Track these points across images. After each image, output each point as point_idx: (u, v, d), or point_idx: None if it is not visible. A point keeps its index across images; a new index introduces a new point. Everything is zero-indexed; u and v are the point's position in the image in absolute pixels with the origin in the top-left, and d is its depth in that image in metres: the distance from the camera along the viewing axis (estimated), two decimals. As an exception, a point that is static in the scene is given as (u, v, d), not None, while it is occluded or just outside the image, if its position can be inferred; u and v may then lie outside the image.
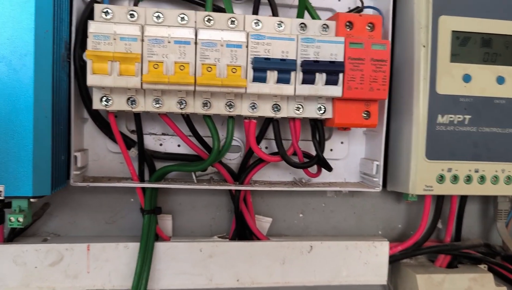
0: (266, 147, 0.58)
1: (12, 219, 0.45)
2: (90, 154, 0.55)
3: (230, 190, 0.58)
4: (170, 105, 0.49)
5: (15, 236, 0.54)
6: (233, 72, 0.47)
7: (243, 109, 0.50)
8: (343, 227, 0.62)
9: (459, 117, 0.55)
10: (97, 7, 0.47)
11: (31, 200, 0.45)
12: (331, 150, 0.60)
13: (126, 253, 0.54)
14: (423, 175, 0.55)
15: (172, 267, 0.55)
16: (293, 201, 0.61)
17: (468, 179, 0.56)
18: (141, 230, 0.55)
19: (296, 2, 0.53)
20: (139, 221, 0.57)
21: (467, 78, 0.55)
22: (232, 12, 0.51)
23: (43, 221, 0.56)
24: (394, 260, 0.60)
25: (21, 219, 0.45)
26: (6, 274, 0.52)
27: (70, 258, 0.53)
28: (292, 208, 0.61)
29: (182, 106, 0.49)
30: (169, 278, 0.55)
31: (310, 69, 0.48)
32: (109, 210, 0.57)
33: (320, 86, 0.49)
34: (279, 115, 0.51)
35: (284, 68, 0.48)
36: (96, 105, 0.48)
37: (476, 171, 0.56)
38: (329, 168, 0.55)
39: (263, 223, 0.60)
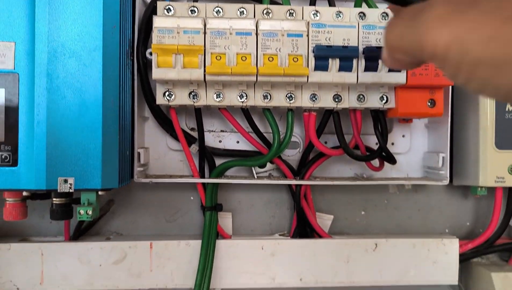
0: (326, 142, 0.57)
1: (82, 212, 0.45)
2: (151, 152, 0.56)
3: (290, 187, 0.57)
4: (231, 99, 0.49)
5: (80, 234, 0.55)
6: (295, 61, 0.47)
7: (303, 100, 0.50)
8: (408, 225, 0.60)
9: (529, 104, 0.53)
10: (160, 4, 0.49)
11: (99, 193, 0.46)
12: (392, 144, 0.58)
13: (188, 251, 0.53)
14: (494, 166, 0.53)
15: (234, 266, 0.54)
16: (354, 198, 0.59)
17: (543, 169, 0.53)
18: (201, 228, 0.55)
19: (353, -6, 0.53)
20: (199, 219, 0.57)
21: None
22: (289, 4, 0.51)
23: (105, 220, 0.56)
24: (464, 259, 0.57)
25: (90, 212, 0.45)
26: (72, 272, 0.52)
27: (134, 256, 0.53)
28: (354, 205, 0.59)
29: (243, 100, 0.49)
30: (231, 277, 0.54)
31: (373, 55, 0.47)
32: (169, 208, 0.57)
33: (384, 73, 0.48)
34: (340, 106, 0.50)
35: (346, 55, 0.47)
36: (160, 100, 0.49)
37: (551, 160, 0.53)
38: (393, 161, 0.53)
39: (324, 220, 0.58)
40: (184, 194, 0.57)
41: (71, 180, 0.44)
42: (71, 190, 0.44)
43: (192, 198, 0.57)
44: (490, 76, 0.22)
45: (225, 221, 0.57)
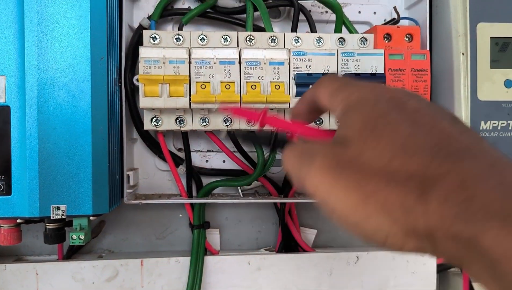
0: (309, 160, 0.59)
1: (74, 237, 0.47)
2: (140, 172, 0.58)
3: (275, 203, 0.59)
4: (217, 123, 0.51)
5: (73, 253, 0.57)
6: (277, 89, 0.49)
7: (286, 123, 0.52)
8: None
9: (502, 123, 0.55)
10: (146, 33, 0.50)
11: (91, 218, 0.48)
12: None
13: (178, 267, 0.56)
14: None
15: (222, 280, 0.56)
16: (337, 212, 0.61)
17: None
18: (190, 244, 0.57)
19: (333, 18, 0.55)
20: (188, 236, 0.59)
21: (508, 84, 0.55)
22: (272, 31, 0.53)
23: (97, 239, 0.58)
24: (442, 269, 0.59)
25: (82, 237, 0.47)
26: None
27: (125, 273, 0.55)
28: (336, 219, 0.61)
29: (228, 124, 0.51)
30: (220, 291, 0.56)
31: (352, 82, 0.49)
32: (159, 226, 0.59)
33: (362, 98, 0.50)
34: (321, 128, 0.52)
35: (326, 82, 0.49)
36: (147, 125, 0.51)
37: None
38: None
39: (308, 235, 0.61)
40: (173, 212, 0.59)
41: (63, 207, 0.46)
42: (63, 217, 0.46)
43: (180, 215, 0.59)
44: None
45: (213, 237, 0.60)
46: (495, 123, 0.55)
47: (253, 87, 0.49)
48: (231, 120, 0.51)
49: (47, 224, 0.48)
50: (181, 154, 0.56)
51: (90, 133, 0.46)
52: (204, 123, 0.51)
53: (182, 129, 0.51)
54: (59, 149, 0.46)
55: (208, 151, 0.58)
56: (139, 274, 0.55)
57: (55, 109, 0.45)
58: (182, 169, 0.56)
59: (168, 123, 0.51)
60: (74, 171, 0.46)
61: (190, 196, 0.56)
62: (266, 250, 0.60)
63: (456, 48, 0.54)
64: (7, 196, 0.45)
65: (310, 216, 0.61)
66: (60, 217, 0.46)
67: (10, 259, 0.56)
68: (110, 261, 0.55)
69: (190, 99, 0.48)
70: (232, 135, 0.54)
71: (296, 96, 0.49)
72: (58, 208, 0.46)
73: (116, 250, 0.59)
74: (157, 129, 0.51)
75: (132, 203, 0.53)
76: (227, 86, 0.48)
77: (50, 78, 0.45)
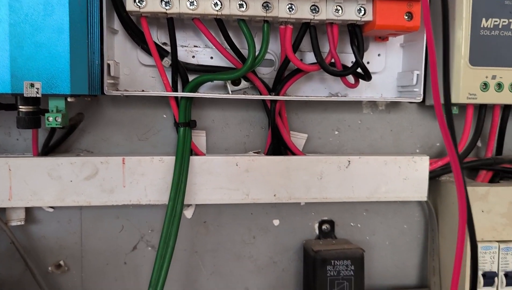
0: (301, 60, 0.56)
1: (50, 118, 0.44)
2: (121, 67, 0.54)
3: (265, 105, 0.56)
4: (206, 7, 0.47)
5: (48, 151, 0.53)
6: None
7: (280, 10, 0.48)
8: (380, 145, 0.61)
9: (504, 21, 0.53)
10: None
11: (68, 99, 0.44)
12: (368, 62, 0.58)
13: (162, 167, 0.53)
14: (467, 82, 0.53)
15: (209, 182, 0.54)
16: (328, 118, 0.59)
17: (513, 87, 0.54)
18: (174, 147, 0.54)
19: None
20: (173, 138, 0.56)
21: (513, -22, 0.52)
22: None
23: (75, 137, 0.55)
24: (433, 176, 0.58)
25: (59, 119, 0.44)
26: (42, 188, 0.51)
27: (106, 172, 0.52)
28: (327, 125, 0.59)
29: (218, 8, 0.47)
30: (206, 193, 0.54)
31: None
32: (142, 126, 0.56)
33: (362, -18, 0.47)
34: (318, 17, 0.49)
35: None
36: (130, 6, 0.46)
37: (522, 78, 0.54)
38: (369, 76, 0.53)
39: (298, 139, 0.58)
40: (157, 112, 0.56)
41: (38, 85, 0.42)
42: (38, 95, 0.42)
43: (165, 116, 0.56)
44: None
45: (199, 139, 0.57)
46: (497, 21, 0.53)
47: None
48: (221, 4, 0.47)
49: (20, 107, 0.44)
50: (166, 48, 0.52)
51: (68, 3, 0.42)
52: (192, 7, 0.47)
53: (168, 11, 0.47)
54: (33, 19, 0.41)
55: (195, 46, 0.55)
56: (120, 173, 0.52)
57: (26, -27, 0.41)
58: (167, 61, 0.52)
59: (153, 4, 0.47)
60: (50, 45, 0.42)
61: (175, 91, 0.53)
62: (254, 153, 0.57)
63: None
64: (-26, 69, 0.41)
65: (301, 121, 0.59)
66: (35, 95, 0.42)
67: (-20, 154, 0.52)
68: (89, 158, 0.52)
69: (177, -28, 0.44)
70: (221, 23, 0.51)
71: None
72: (32, 85, 0.42)
73: (95, 151, 0.55)
74: (141, 11, 0.47)
75: (113, 95, 0.50)
76: (218, -40, 0.44)
77: None
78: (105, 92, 0.49)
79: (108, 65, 0.49)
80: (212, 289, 0.59)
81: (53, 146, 0.53)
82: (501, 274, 0.54)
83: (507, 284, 0.54)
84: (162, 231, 0.51)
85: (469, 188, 0.55)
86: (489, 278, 0.54)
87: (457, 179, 0.41)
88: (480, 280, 0.54)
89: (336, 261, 0.54)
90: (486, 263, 0.54)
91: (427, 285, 0.62)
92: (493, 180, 0.59)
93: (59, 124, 0.44)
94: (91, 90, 0.46)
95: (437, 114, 0.40)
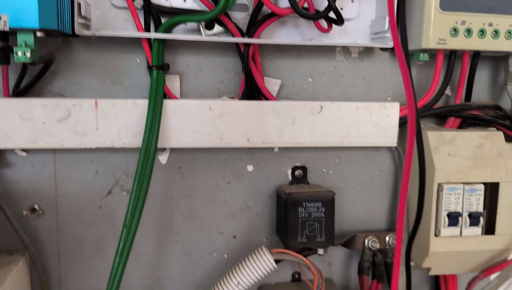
0: (275, 4, 0.56)
1: (19, 53, 0.43)
2: (93, 9, 0.53)
3: (238, 50, 0.56)
4: None
5: (19, 94, 0.52)
6: None
7: (253, -50, 0.48)
8: (352, 93, 0.61)
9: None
10: None
11: (38, 34, 0.44)
12: (341, 8, 0.58)
13: (135, 110, 0.53)
14: (437, 27, 0.54)
15: (182, 125, 0.54)
16: (301, 65, 0.60)
17: (482, 33, 0.55)
18: (148, 92, 0.54)
19: None
20: (147, 83, 0.56)
21: None
22: None
23: (46, 81, 0.54)
24: (403, 123, 0.59)
25: (28, 54, 0.43)
26: (14, 130, 0.51)
27: (78, 114, 0.52)
28: (301, 72, 0.60)
29: None
30: (180, 136, 0.54)
31: None
32: (115, 70, 0.56)
33: None
34: None
35: None
36: None
37: (490, 24, 0.55)
38: (341, 20, 0.53)
39: (272, 85, 0.59)
40: (130, 56, 0.55)
41: (5, 17, 0.41)
42: (5, 29, 0.42)
43: (138, 60, 0.56)
44: None
45: (173, 84, 0.57)
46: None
47: None
48: None
49: (-13, 42, 0.44)
50: (138, -11, 0.52)
51: None
52: None
53: None
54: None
55: (168, -12, 0.54)
56: (93, 115, 0.52)
57: None
58: (139, 2, 0.51)
59: None
60: (16, -24, 0.41)
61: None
62: (228, 98, 0.58)
63: None
64: None
65: (275, 67, 0.59)
66: (2, 29, 0.42)
67: (-51, 96, 0.52)
68: (61, 100, 0.52)
69: None
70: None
71: None
72: (-2, 18, 0.41)
73: (68, 94, 0.55)
74: None
75: (85, 35, 0.49)
76: None
77: None
78: (76, 32, 0.48)
79: (79, 4, 0.49)
80: (187, 233, 0.60)
81: (24, 89, 0.53)
82: (465, 214, 0.57)
83: (471, 224, 0.57)
84: (136, 173, 0.51)
85: (436, 133, 0.57)
86: (454, 218, 0.56)
87: (410, 116, 0.42)
88: (445, 220, 0.56)
89: (307, 203, 0.56)
90: (451, 204, 0.56)
91: (395, 229, 0.64)
92: (461, 127, 0.61)
93: (28, 59, 0.43)
94: (61, 26, 0.45)
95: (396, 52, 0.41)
